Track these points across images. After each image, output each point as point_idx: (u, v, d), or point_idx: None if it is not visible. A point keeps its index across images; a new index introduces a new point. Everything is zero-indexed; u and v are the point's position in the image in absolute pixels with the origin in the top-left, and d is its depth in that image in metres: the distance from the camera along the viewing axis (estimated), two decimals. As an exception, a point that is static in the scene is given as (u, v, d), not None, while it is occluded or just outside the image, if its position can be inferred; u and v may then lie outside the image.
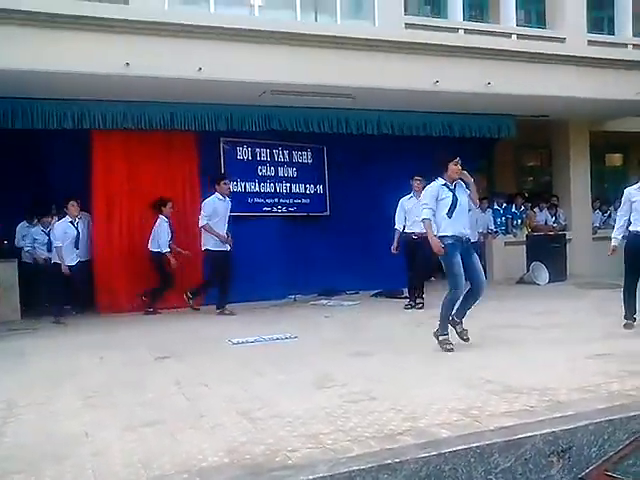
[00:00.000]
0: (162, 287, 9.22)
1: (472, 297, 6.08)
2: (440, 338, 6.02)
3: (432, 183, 6.16)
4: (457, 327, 6.09)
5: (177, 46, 8.16)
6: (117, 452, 3.58)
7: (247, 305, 9.25)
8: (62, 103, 8.79)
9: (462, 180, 6.14)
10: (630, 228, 6.66)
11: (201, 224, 8.84)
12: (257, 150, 10.41)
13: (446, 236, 5.94)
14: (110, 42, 7.87)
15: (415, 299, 8.91)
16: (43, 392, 5.00)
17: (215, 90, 8.84)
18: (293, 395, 4.65)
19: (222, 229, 8.87)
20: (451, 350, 5.89)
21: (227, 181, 9.10)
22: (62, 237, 8.57)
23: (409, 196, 8.83)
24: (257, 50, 8.56)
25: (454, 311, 6.08)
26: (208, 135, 9.72)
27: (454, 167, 6.03)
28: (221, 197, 8.93)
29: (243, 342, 6.80)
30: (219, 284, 8.93)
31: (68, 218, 8.73)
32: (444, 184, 6.04)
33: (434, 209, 6.00)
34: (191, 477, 3.19)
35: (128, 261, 9.44)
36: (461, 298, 6.05)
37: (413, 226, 8.49)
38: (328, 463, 3.29)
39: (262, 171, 10.42)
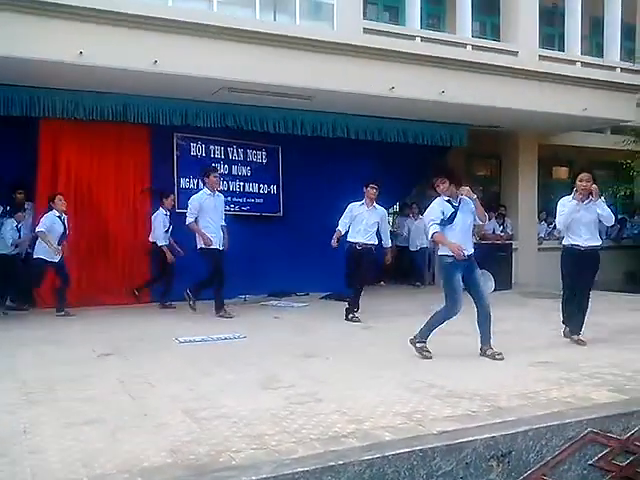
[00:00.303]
0: (166, 280, 9.19)
1: (483, 317, 5.89)
2: (418, 345, 5.90)
3: (437, 199, 5.96)
4: (488, 352, 5.86)
5: (133, 37, 8.02)
6: (56, 450, 3.49)
7: (197, 304, 9.13)
8: (10, 89, 8.53)
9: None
10: (564, 242, 6.65)
11: (187, 222, 8.33)
12: (211, 147, 10.32)
13: (447, 255, 5.82)
14: (64, 29, 7.68)
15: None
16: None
17: (170, 84, 8.72)
18: (239, 395, 4.63)
19: (214, 227, 8.37)
20: (430, 357, 5.79)
21: (217, 174, 8.61)
22: (48, 227, 8.23)
23: (360, 203, 8.32)
24: (215, 46, 8.50)
25: (480, 341, 5.92)
26: (161, 129, 9.57)
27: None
28: (209, 192, 8.37)
29: (190, 341, 6.73)
30: (212, 282, 8.51)
31: (55, 212, 8.35)
32: (448, 200, 5.87)
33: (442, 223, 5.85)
34: (132, 477, 3.13)
35: (73, 254, 9.21)
36: (477, 326, 5.93)
37: (357, 235, 8.17)
38: (272, 464, 3.28)
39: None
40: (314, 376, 5.21)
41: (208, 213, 8.31)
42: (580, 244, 6.45)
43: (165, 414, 4.16)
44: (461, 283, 5.81)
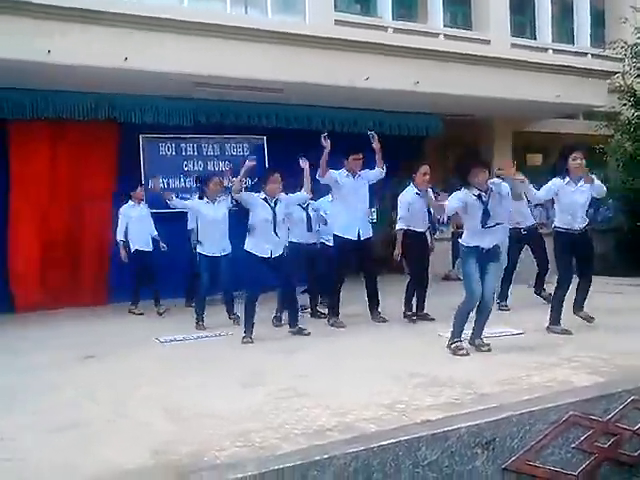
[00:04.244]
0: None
1: (479, 313, 5.74)
2: (452, 346, 5.64)
3: (460, 192, 5.65)
4: (476, 341, 5.76)
5: (102, 34, 7.88)
6: (36, 457, 3.43)
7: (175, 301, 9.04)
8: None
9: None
10: (561, 224, 6.42)
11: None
12: (182, 145, 10.19)
13: (464, 245, 5.69)
14: (31, 28, 7.51)
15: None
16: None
17: (140, 81, 8.60)
18: (222, 393, 4.60)
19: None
20: (466, 354, 5.53)
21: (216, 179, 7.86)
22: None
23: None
24: (184, 41, 8.38)
25: (472, 332, 5.78)
26: (129, 128, 9.45)
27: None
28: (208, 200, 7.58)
29: (171, 340, 6.66)
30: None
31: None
32: (478, 195, 5.56)
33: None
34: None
35: (46, 255, 9.08)
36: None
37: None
38: (257, 462, 3.25)
39: (188, 166, 10.21)
40: (297, 371, 5.19)
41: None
42: (576, 227, 6.31)
43: (147, 415, 4.12)
44: (475, 274, 5.58)
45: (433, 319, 7.22)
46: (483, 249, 5.62)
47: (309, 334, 6.69)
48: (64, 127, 9.14)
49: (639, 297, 8.68)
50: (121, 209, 8.67)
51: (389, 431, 3.66)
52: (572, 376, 4.75)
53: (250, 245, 6.59)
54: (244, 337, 6.45)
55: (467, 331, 5.80)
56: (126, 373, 5.31)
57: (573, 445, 4.12)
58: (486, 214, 5.55)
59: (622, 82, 12.21)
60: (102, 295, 9.46)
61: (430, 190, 7.26)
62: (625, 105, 12.45)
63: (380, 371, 5.04)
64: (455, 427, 3.73)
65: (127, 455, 3.39)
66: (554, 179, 6.36)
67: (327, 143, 6.98)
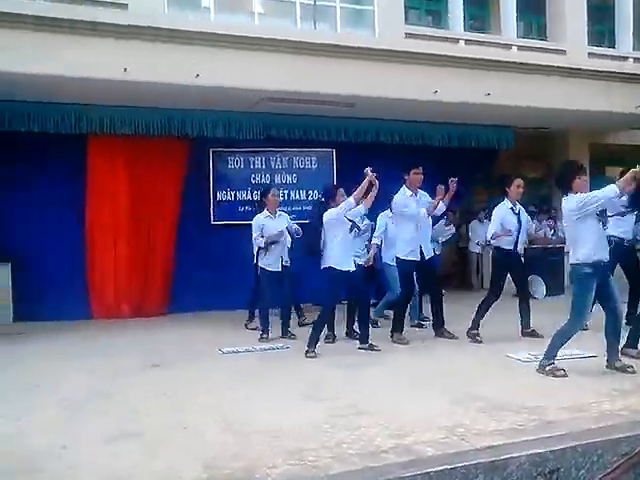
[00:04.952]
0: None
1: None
2: (548, 369, 5.41)
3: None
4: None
5: (174, 52, 8.12)
6: (93, 466, 3.51)
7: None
8: (59, 106, 8.78)
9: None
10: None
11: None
12: (251, 158, 10.34)
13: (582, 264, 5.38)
14: (107, 48, 7.83)
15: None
16: (18, 403, 4.86)
17: (212, 97, 8.80)
18: (280, 407, 4.61)
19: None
20: (565, 376, 5.29)
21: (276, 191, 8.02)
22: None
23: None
24: (255, 57, 8.52)
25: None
26: (199, 143, 9.70)
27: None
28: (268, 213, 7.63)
29: (234, 352, 6.72)
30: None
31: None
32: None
33: None
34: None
35: (119, 268, 9.47)
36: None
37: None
38: (308, 481, 3.23)
39: (256, 179, 10.34)
40: (358, 387, 5.14)
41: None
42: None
43: (204, 427, 4.16)
44: (593, 294, 5.33)
45: (542, 336, 6.76)
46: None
47: (380, 350, 6.60)
48: (139, 142, 9.43)
49: None
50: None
51: (447, 456, 3.55)
52: (647, 404, 4.49)
53: (333, 261, 6.50)
54: (307, 350, 6.44)
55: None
56: (189, 383, 5.39)
57: (646, 479, 3.88)
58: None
59: None
60: (165, 306, 9.67)
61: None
62: None
63: (443, 391, 4.92)
64: (516, 455, 3.58)
65: (181, 468, 3.42)
66: None
67: (372, 177, 6.48)
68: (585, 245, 5.33)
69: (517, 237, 7.10)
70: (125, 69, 7.89)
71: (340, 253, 6.51)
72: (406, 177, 7.26)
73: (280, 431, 4.03)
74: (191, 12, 9.81)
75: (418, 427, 4.05)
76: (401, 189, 7.25)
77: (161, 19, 8.21)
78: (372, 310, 7.66)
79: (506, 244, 7.09)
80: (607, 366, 5.52)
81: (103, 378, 5.63)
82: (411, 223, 7.15)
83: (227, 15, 9.73)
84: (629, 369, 5.40)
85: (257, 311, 7.94)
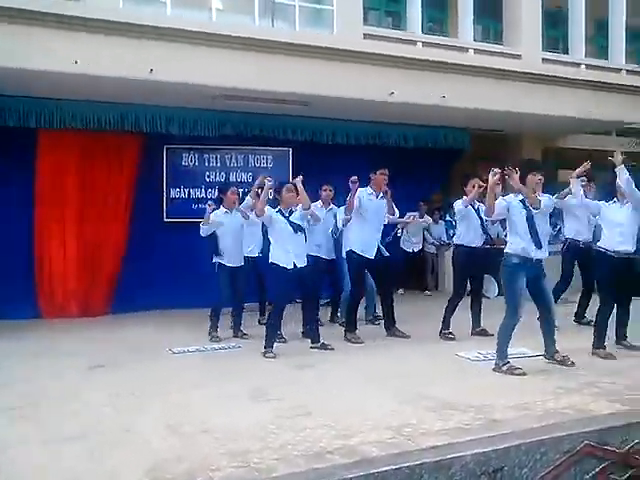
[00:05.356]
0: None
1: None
2: (504, 368, 5.49)
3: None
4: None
5: (129, 46, 7.96)
6: (32, 468, 3.40)
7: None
8: (8, 99, 8.52)
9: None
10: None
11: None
12: (205, 156, 10.22)
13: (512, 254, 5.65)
14: (61, 40, 7.62)
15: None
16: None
17: (167, 92, 8.65)
18: (227, 409, 4.55)
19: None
20: (524, 374, 5.36)
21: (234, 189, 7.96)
22: None
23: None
24: (212, 54, 8.41)
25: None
26: (153, 139, 9.52)
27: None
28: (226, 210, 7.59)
29: (184, 351, 6.61)
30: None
31: None
32: (522, 200, 5.75)
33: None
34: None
35: (68, 266, 9.25)
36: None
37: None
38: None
39: (210, 177, 10.22)
40: (308, 388, 5.10)
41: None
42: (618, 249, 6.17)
43: (148, 429, 4.08)
44: (519, 288, 5.53)
45: (492, 334, 6.65)
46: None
47: (333, 349, 6.57)
48: (91, 138, 9.21)
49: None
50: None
51: (391, 456, 3.54)
52: (591, 403, 4.57)
53: (275, 257, 6.49)
54: (265, 351, 6.34)
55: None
56: (135, 384, 5.27)
57: (587, 477, 3.94)
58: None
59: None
60: (109, 305, 9.46)
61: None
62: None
63: (393, 391, 4.92)
64: (460, 454, 3.59)
65: (122, 472, 3.34)
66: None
67: (356, 186, 6.92)
68: (514, 238, 5.69)
69: (481, 235, 7.42)
70: (76, 61, 7.66)
71: (280, 252, 6.47)
72: (372, 177, 7.27)
73: (226, 432, 3.98)
74: (147, 6, 9.65)
75: (365, 427, 4.04)
76: (366, 187, 7.24)
77: (115, 12, 8.04)
78: (363, 311, 7.83)
79: (469, 242, 7.23)
80: (546, 357, 5.74)
81: (45, 379, 5.46)
82: (368, 222, 7.16)
83: (184, 10, 9.58)
84: (568, 362, 5.62)
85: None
